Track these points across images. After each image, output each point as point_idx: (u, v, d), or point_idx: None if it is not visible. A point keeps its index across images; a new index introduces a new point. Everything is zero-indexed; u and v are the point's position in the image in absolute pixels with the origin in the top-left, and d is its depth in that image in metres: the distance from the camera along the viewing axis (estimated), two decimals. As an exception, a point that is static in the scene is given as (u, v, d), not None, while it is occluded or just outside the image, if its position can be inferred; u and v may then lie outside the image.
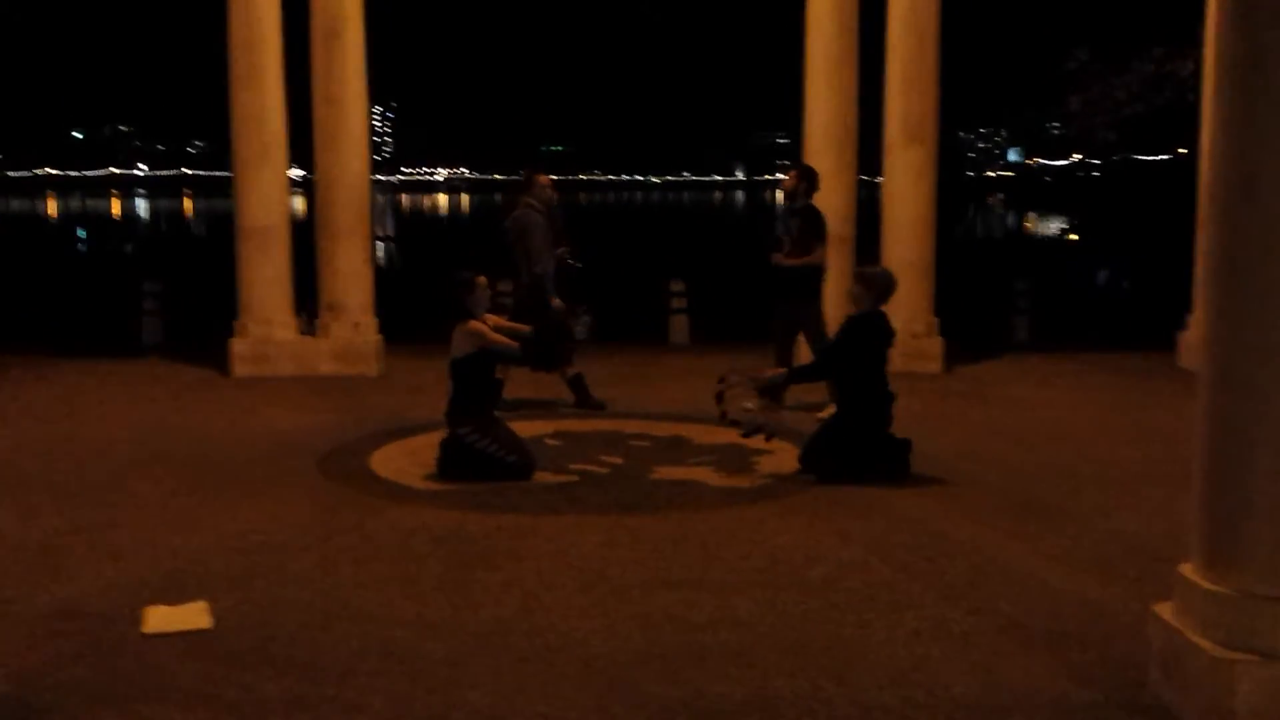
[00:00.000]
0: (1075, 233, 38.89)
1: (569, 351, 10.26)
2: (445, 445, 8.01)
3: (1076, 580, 5.98)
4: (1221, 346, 4.32)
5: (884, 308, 8.16)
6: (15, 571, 6.06)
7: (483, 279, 8.06)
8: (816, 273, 10.21)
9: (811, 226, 10.19)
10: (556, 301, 9.96)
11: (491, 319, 8.14)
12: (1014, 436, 9.47)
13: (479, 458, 7.86)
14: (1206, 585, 4.33)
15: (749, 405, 9.12)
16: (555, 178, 10.81)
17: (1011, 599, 5.70)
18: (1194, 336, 11.55)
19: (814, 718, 4.44)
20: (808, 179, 10.46)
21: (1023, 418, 10.26)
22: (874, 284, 8.15)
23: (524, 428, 8.75)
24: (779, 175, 10.91)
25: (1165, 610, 4.58)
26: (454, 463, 7.92)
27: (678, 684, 4.72)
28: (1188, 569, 4.48)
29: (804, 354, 10.62)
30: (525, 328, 8.54)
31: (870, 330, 8.07)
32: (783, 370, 9.09)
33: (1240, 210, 4.22)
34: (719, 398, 8.49)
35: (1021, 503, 7.50)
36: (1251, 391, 4.21)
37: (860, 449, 7.95)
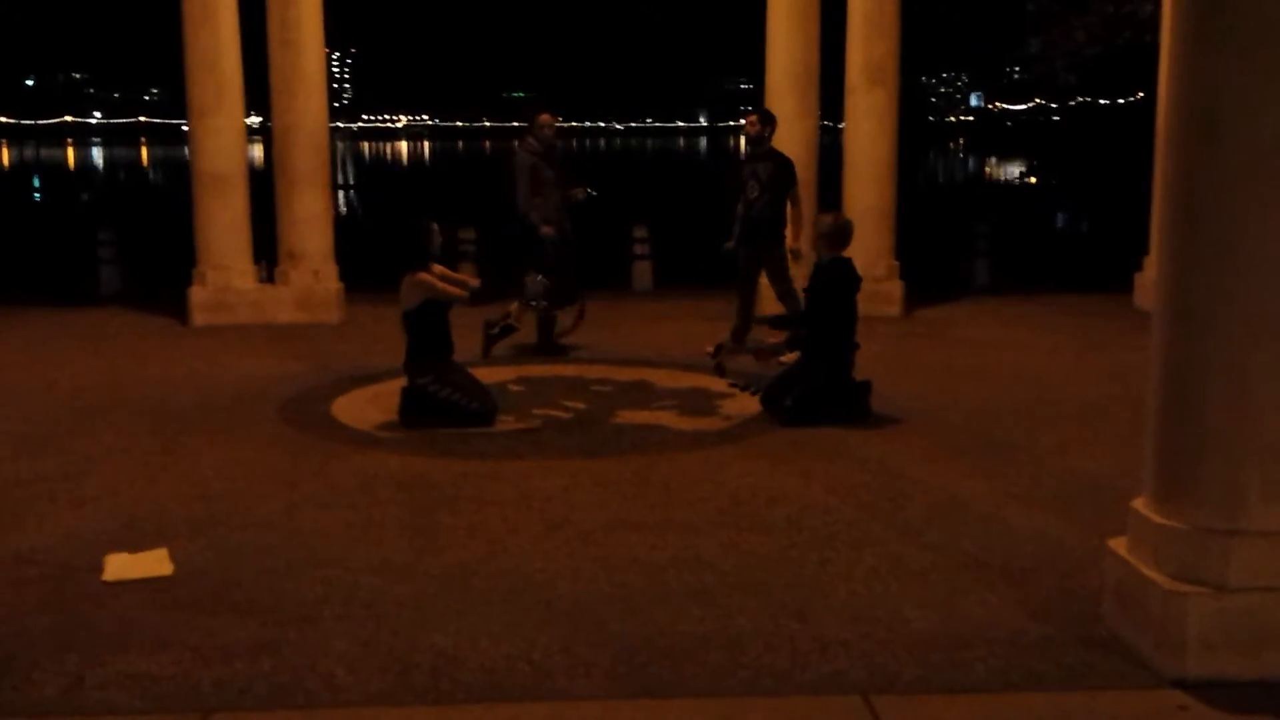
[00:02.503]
0: (1034, 176, 39.00)
1: (575, 292, 10.29)
2: (406, 393, 7.98)
3: (1034, 517, 6.07)
4: (1175, 286, 4.37)
5: (845, 253, 8.19)
6: (-26, 521, 6.03)
7: (435, 225, 8.04)
8: (780, 217, 10.28)
9: (784, 172, 10.25)
10: (548, 229, 9.88)
11: (437, 268, 8.07)
12: (973, 377, 9.55)
13: (441, 405, 7.84)
14: (1159, 520, 4.40)
15: (708, 349, 9.23)
16: (517, 124, 10.71)
17: (970, 536, 5.78)
18: (1150, 278, 11.63)
19: (776, 654, 4.49)
20: (770, 124, 10.52)
21: (982, 359, 10.34)
22: (820, 231, 8.23)
23: (486, 374, 8.75)
24: (741, 122, 10.93)
25: (1119, 545, 4.66)
26: (415, 410, 7.90)
27: (641, 623, 4.77)
28: (1141, 504, 4.55)
29: (767, 296, 10.73)
30: (474, 280, 8.48)
31: (835, 277, 8.10)
32: (781, 339, 9.24)
33: (1197, 151, 4.24)
34: (717, 350, 9.14)
35: (981, 442, 7.57)
36: (1203, 330, 4.26)
37: (822, 392, 8.00)
